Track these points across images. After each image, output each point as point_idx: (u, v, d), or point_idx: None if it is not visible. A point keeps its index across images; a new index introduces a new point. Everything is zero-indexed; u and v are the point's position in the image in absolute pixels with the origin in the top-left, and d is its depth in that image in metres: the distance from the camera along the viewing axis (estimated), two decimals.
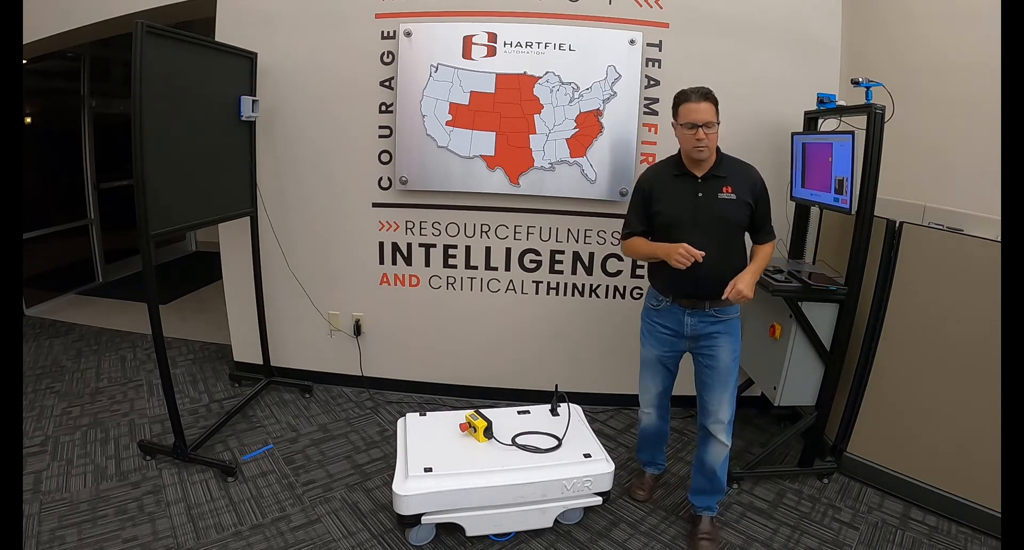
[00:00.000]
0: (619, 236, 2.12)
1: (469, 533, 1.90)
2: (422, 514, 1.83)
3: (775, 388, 2.28)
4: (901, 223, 2.09)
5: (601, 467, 1.92)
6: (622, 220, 1.96)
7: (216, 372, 3.13)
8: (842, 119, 2.24)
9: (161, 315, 2.14)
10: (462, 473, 1.84)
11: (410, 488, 1.79)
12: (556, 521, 1.97)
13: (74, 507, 2.02)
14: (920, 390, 2.09)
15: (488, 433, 2.00)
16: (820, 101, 2.25)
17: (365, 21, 2.53)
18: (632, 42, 2.43)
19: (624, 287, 2.73)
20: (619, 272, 2.72)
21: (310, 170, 2.73)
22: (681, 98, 1.72)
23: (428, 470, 1.83)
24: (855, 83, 2.08)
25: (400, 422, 2.15)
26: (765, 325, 2.36)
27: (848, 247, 2.09)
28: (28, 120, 3.79)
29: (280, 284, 2.87)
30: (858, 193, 2.01)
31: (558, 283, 2.75)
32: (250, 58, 2.51)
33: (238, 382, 3.00)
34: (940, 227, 2.07)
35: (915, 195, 2.32)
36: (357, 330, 2.89)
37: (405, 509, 1.80)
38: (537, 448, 1.96)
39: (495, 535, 1.93)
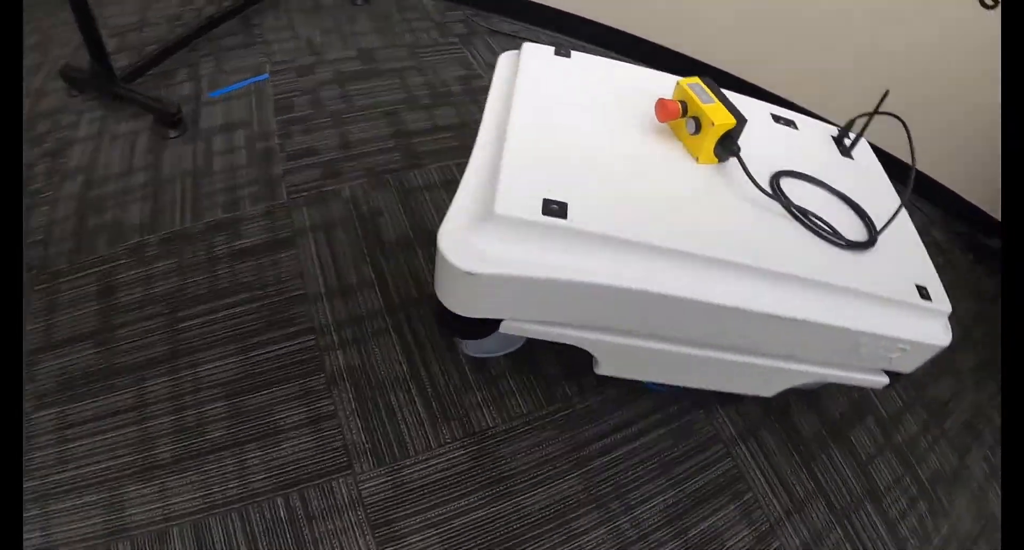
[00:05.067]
0: None
1: (602, 369, 0.94)
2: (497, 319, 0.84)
3: None
4: None
5: (933, 327, 0.87)
6: None
7: None
8: None
9: None
10: (644, 246, 0.75)
11: (495, 255, 0.73)
12: None
13: None
14: None
15: (728, 144, 0.84)
16: None
17: None
18: None
19: None
20: None
21: None
22: None
23: (555, 208, 0.74)
24: None
25: (505, 59, 1.00)
26: None
27: None
28: None
29: None
30: None
31: None
32: None
33: None
34: None
35: None
36: None
37: (467, 304, 0.80)
38: (832, 230, 0.85)
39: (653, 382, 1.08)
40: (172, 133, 1.41)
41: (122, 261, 1.14)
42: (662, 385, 1.08)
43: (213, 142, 1.41)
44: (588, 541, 0.92)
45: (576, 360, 1.08)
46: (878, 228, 0.87)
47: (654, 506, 0.96)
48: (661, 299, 0.76)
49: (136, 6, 1.83)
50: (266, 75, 1.62)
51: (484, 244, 0.73)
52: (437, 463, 0.97)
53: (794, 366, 0.93)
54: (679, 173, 0.87)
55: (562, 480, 0.98)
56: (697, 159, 0.87)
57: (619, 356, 0.94)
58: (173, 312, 1.08)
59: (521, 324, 0.87)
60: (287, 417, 0.98)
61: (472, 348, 1.09)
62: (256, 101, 1.54)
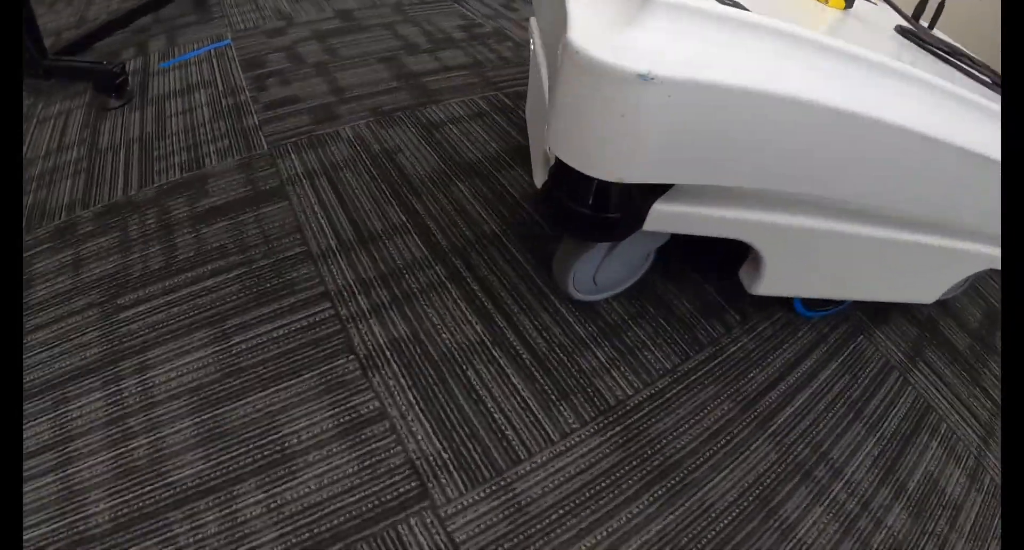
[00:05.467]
0: None
1: (762, 284, 0.68)
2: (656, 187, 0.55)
3: None
4: None
5: None
6: None
7: None
8: None
9: None
10: (842, 53, 0.50)
11: (666, 57, 0.43)
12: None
13: None
14: None
15: None
16: None
17: None
18: None
19: None
20: None
21: None
22: None
23: (728, 2, 0.50)
24: None
25: None
26: None
27: None
28: None
29: None
30: None
31: None
32: None
33: None
34: None
35: None
36: None
37: (621, 153, 0.46)
38: (979, 69, 0.70)
39: (807, 303, 0.83)
40: (114, 102, 1.08)
41: (42, 247, 0.78)
42: (815, 309, 0.86)
43: (166, 105, 1.07)
44: (806, 530, 0.59)
45: (710, 292, 0.73)
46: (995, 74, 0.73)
47: (862, 462, 0.70)
48: (865, 126, 0.50)
49: (72, 10, 1.55)
50: (228, 41, 1.31)
51: (647, 41, 0.44)
52: (568, 465, 0.58)
53: (970, 246, 0.75)
54: (813, 16, 0.66)
55: (748, 451, 0.64)
56: (827, 1, 0.73)
57: (788, 251, 0.67)
58: (111, 299, 0.71)
59: (677, 207, 0.56)
60: (303, 429, 0.59)
61: (581, 287, 0.71)
62: (219, 63, 1.21)
